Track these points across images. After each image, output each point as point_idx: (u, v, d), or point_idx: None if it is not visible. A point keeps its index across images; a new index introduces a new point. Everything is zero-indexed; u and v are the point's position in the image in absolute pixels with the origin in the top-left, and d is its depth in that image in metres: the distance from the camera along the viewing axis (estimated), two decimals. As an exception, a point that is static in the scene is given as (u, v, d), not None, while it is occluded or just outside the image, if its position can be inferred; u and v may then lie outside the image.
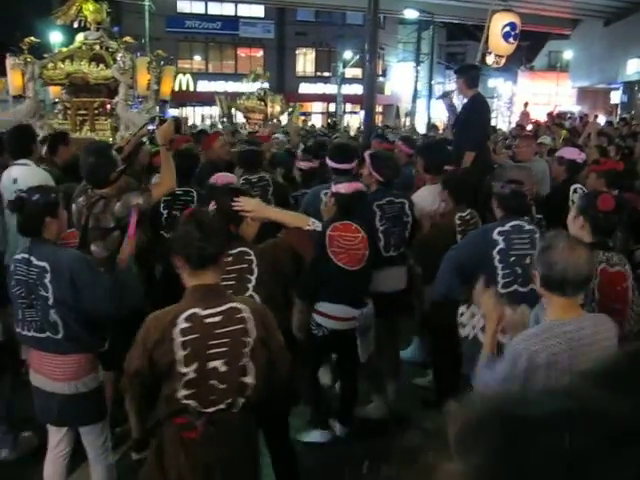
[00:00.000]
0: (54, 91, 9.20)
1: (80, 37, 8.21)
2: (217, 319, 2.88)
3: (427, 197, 5.45)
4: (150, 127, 6.06)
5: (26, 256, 3.61)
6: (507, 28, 12.24)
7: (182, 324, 2.83)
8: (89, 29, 8.16)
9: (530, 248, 4.14)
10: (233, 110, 16.90)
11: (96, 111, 8.06)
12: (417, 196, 5.53)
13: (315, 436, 4.90)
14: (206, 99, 17.25)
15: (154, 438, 3.08)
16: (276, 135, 9.58)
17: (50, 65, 7.89)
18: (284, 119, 16.97)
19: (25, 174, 5.07)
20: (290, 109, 16.61)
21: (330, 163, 5.42)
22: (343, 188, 4.62)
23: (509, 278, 4.21)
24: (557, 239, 2.83)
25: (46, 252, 3.62)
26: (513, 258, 4.20)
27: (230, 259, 3.53)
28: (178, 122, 4.75)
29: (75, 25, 8.20)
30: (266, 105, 16.20)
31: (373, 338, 4.84)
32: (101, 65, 7.81)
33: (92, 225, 4.26)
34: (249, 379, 2.93)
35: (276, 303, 3.60)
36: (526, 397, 0.79)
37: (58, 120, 8.31)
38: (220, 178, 4.44)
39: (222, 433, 2.93)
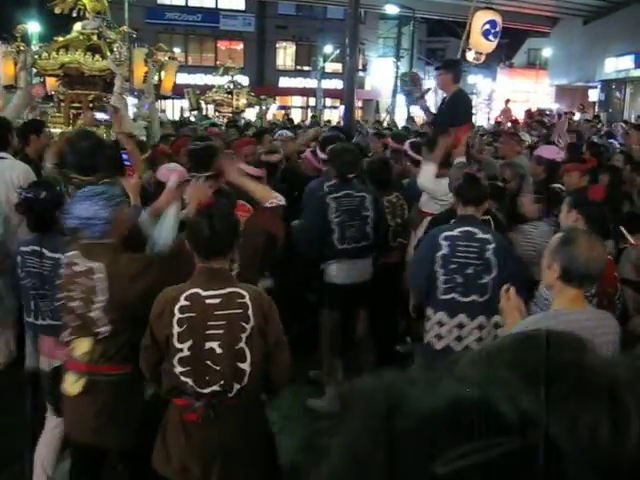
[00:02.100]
0: (50, 83, 8.86)
1: (78, 26, 7.92)
2: (217, 301, 3.00)
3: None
4: (105, 116, 5.97)
5: (37, 248, 3.64)
6: (487, 26, 12.29)
7: (182, 301, 2.99)
8: (86, 18, 7.85)
9: (477, 258, 4.12)
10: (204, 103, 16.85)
11: (90, 104, 7.74)
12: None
13: None
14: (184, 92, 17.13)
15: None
16: (280, 132, 9.50)
17: (44, 55, 7.61)
18: (252, 112, 16.94)
19: (4, 168, 5.02)
20: (263, 103, 16.57)
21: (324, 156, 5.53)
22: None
23: (448, 285, 4.18)
24: (577, 234, 2.99)
25: (58, 244, 3.68)
26: (454, 265, 4.15)
27: None
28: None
29: (74, 14, 7.85)
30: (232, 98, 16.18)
31: None
32: (97, 56, 7.51)
33: None
34: (245, 365, 3.01)
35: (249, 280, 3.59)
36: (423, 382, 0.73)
37: (51, 113, 8.10)
38: (164, 171, 4.44)
39: (222, 418, 3.02)
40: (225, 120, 15.50)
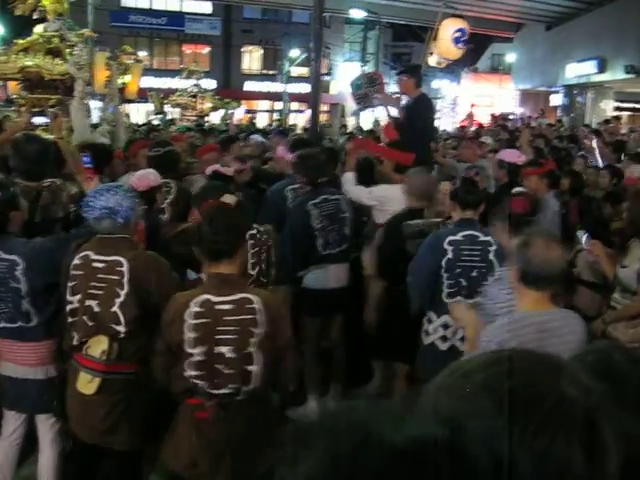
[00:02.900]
0: (11, 86, 8.71)
1: (39, 29, 7.71)
2: (228, 307, 3.06)
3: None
4: (46, 120, 5.89)
5: None
6: (458, 33, 12.40)
7: (194, 308, 3.05)
8: (46, 20, 7.64)
9: (480, 261, 4.16)
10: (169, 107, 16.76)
11: (51, 109, 7.49)
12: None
13: None
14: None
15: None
16: (252, 137, 9.44)
17: (3, 58, 7.38)
18: (217, 116, 16.89)
19: None
20: (228, 106, 16.52)
21: (287, 155, 5.51)
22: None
23: (453, 289, 4.21)
24: (534, 236, 2.96)
25: (14, 245, 3.63)
26: (459, 270, 4.19)
27: None
28: None
29: (35, 16, 7.66)
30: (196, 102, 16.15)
31: None
32: (57, 59, 7.30)
33: (41, 217, 4.20)
34: (254, 368, 3.09)
35: None
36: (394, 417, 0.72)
37: (12, 117, 7.93)
38: (141, 179, 4.41)
39: (232, 418, 3.11)
40: (190, 124, 15.44)
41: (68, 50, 7.40)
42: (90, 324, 3.44)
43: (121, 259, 3.38)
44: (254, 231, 4.28)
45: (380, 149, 6.43)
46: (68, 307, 3.48)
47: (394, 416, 0.70)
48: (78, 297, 3.44)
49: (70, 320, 3.50)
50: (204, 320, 3.05)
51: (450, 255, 4.18)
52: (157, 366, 3.27)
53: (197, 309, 3.06)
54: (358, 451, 0.65)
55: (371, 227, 5.78)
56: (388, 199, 5.42)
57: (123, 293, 3.37)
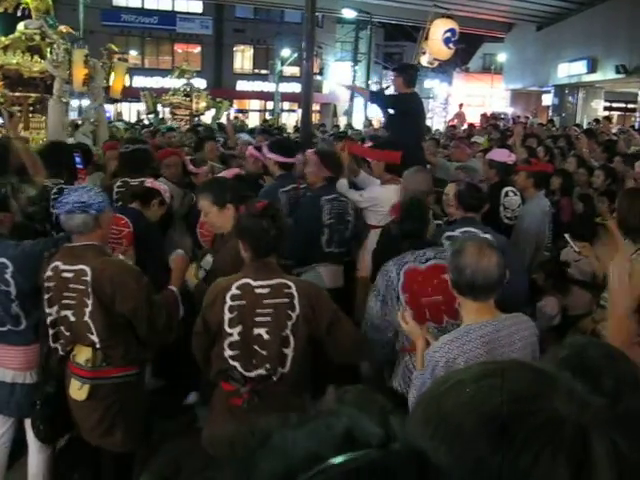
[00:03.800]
0: None
1: (21, 26, 7.65)
2: (266, 290, 3.23)
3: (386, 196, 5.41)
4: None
5: None
6: (448, 34, 12.44)
7: (234, 290, 3.22)
8: (29, 18, 7.57)
9: None
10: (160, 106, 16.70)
11: (31, 107, 7.52)
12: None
13: None
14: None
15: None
16: (239, 135, 9.40)
17: None
18: (208, 116, 16.86)
19: None
20: (222, 106, 16.47)
21: (275, 157, 5.45)
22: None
23: None
24: (467, 243, 2.85)
25: (3, 248, 3.60)
26: None
27: None
28: None
29: (19, 14, 7.63)
30: (191, 101, 16.09)
31: None
32: (35, 57, 7.26)
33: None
34: (288, 351, 3.22)
35: None
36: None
37: None
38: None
39: (266, 404, 3.18)
40: (182, 123, 15.37)
41: (48, 48, 7.33)
42: (67, 334, 3.47)
43: (85, 268, 3.37)
44: None
45: (367, 152, 6.39)
46: (48, 319, 3.50)
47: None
48: (55, 308, 3.45)
49: (52, 332, 3.51)
50: (243, 302, 3.21)
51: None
52: (195, 346, 3.41)
53: (237, 292, 3.22)
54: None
55: (362, 228, 5.77)
56: (380, 200, 5.41)
57: (90, 302, 3.36)
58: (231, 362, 3.22)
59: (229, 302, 3.21)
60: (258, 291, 3.22)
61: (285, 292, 3.24)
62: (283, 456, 0.65)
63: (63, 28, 7.90)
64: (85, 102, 8.53)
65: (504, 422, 0.74)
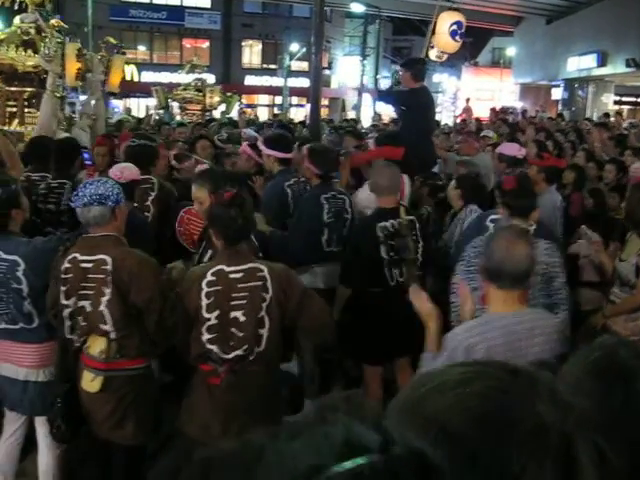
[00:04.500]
0: None
1: (17, 20, 7.59)
2: (239, 275, 3.37)
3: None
4: None
5: None
6: (454, 27, 12.40)
7: (209, 277, 3.35)
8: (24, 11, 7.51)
9: None
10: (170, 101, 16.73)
11: (26, 102, 7.46)
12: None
13: None
14: (151, 90, 17.01)
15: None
16: (245, 130, 9.38)
17: None
18: (219, 110, 16.89)
19: None
20: (229, 100, 16.49)
21: (274, 153, 5.39)
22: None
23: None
24: (502, 231, 2.86)
25: (14, 245, 3.59)
26: None
27: None
28: None
29: (16, 7, 7.58)
30: (204, 96, 16.11)
31: None
32: (29, 51, 7.17)
33: None
34: (264, 331, 3.37)
35: None
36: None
37: None
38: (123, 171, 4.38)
39: (242, 382, 3.36)
40: (195, 118, 15.38)
41: (42, 42, 7.24)
42: (83, 324, 3.47)
43: (106, 257, 3.39)
44: None
45: (367, 157, 6.27)
46: (65, 311, 3.48)
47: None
48: (73, 300, 3.45)
49: (69, 323, 3.51)
50: (219, 287, 3.34)
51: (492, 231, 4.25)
52: (178, 333, 3.48)
53: (212, 278, 3.35)
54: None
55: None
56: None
57: (108, 292, 3.38)
58: (208, 346, 3.35)
59: (205, 288, 3.34)
60: (232, 276, 3.36)
61: (258, 275, 3.39)
62: (285, 470, 0.65)
63: (54, 22, 7.79)
64: (84, 97, 8.42)
65: (489, 433, 0.74)
